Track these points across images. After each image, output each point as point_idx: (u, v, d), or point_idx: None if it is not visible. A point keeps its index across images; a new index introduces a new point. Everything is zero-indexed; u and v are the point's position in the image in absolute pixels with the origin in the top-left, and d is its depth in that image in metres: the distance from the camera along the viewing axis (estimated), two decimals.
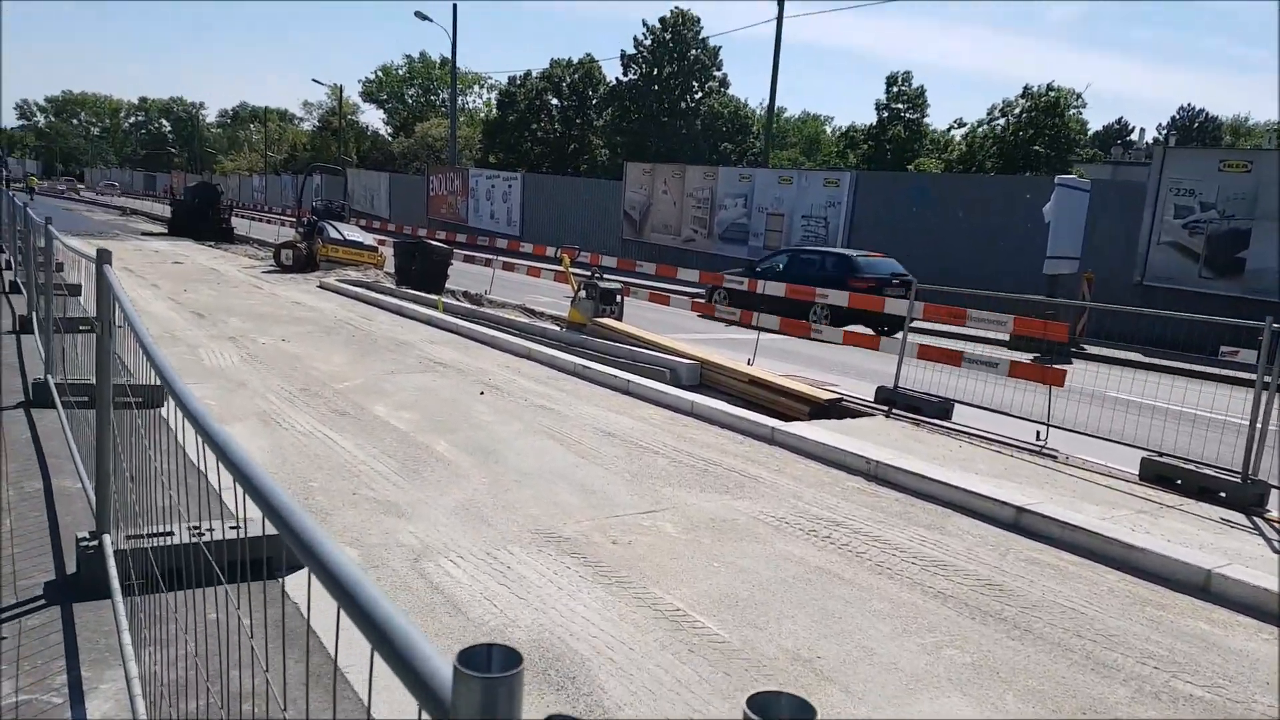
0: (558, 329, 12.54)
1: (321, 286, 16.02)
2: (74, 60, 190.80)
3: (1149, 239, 16.14)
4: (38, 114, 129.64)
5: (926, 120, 38.79)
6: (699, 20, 40.68)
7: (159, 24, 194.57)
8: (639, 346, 10.68)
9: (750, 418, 6.97)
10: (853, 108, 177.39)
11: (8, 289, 11.58)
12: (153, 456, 4.22)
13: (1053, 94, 33.83)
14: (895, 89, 38.06)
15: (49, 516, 4.07)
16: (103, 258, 3.17)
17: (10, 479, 4.52)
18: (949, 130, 39.89)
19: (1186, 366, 12.25)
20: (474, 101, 75.99)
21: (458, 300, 15.89)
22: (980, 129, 36.70)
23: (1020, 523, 4.94)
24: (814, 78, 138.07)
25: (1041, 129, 33.29)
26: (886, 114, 38.01)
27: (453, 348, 10.60)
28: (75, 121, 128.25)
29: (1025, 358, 10.94)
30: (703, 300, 14.37)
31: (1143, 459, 6.51)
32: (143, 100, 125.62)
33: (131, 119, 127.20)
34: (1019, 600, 4.10)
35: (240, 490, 1.55)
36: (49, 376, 5.95)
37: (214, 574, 2.76)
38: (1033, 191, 19.11)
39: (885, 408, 8.05)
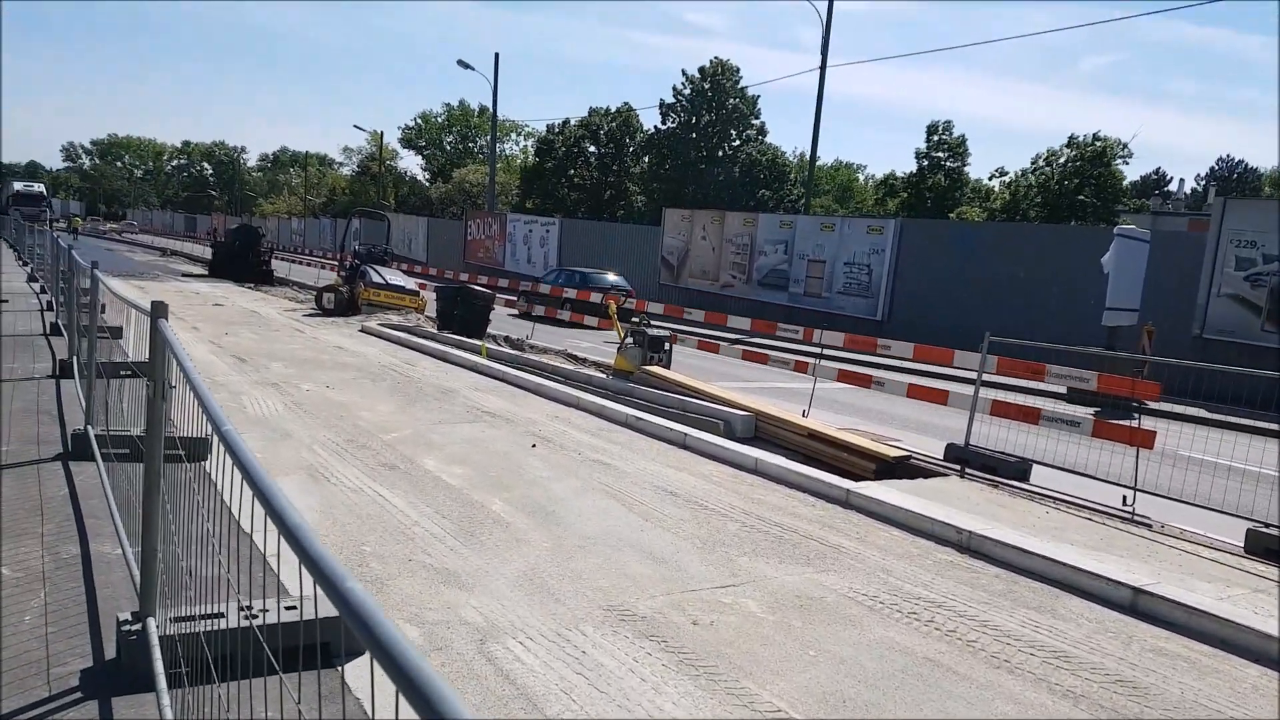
0: (604, 376, 12.21)
1: (363, 330, 15.88)
2: (121, 105, 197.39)
3: (1209, 291, 15.56)
4: (83, 156, 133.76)
5: (967, 169, 38.48)
6: (738, 70, 40.98)
7: (204, 70, 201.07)
8: (690, 396, 10.31)
9: (821, 478, 6.54)
10: (885, 156, 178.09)
11: (49, 331, 11.51)
12: (199, 519, 3.91)
13: (1099, 143, 33.38)
14: (936, 138, 37.85)
15: (87, 589, 3.75)
16: (158, 311, 2.89)
17: (46, 542, 4.22)
18: (990, 179, 39.56)
19: (1256, 424, 11.64)
20: (511, 148, 77.10)
21: (500, 345, 15.66)
22: (1025, 178, 36.28)
23: (1138, 605, 4.45)
24: (846, 127, 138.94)
25: (1087, 178, 32.80)
26: (927, 162, 37.73)
27: (499, 395, 10.30)
28: (119, 164, 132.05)
29: (1085, 412, 10.44)
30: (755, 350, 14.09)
31: (1248, 530, 6.00)
32: (185, 144, 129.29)
33: (174, 162, 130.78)
34: (1158, 701, 3.62)
35: (295, 560, 1.30)
36: (89, 427, 5.70)
37: (268, 661, 2.42)
38: (1083, 241, 18.64)
39: (957, 467, 7.59)
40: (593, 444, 7.90)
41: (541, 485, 6.38)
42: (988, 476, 7.29)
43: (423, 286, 20.38)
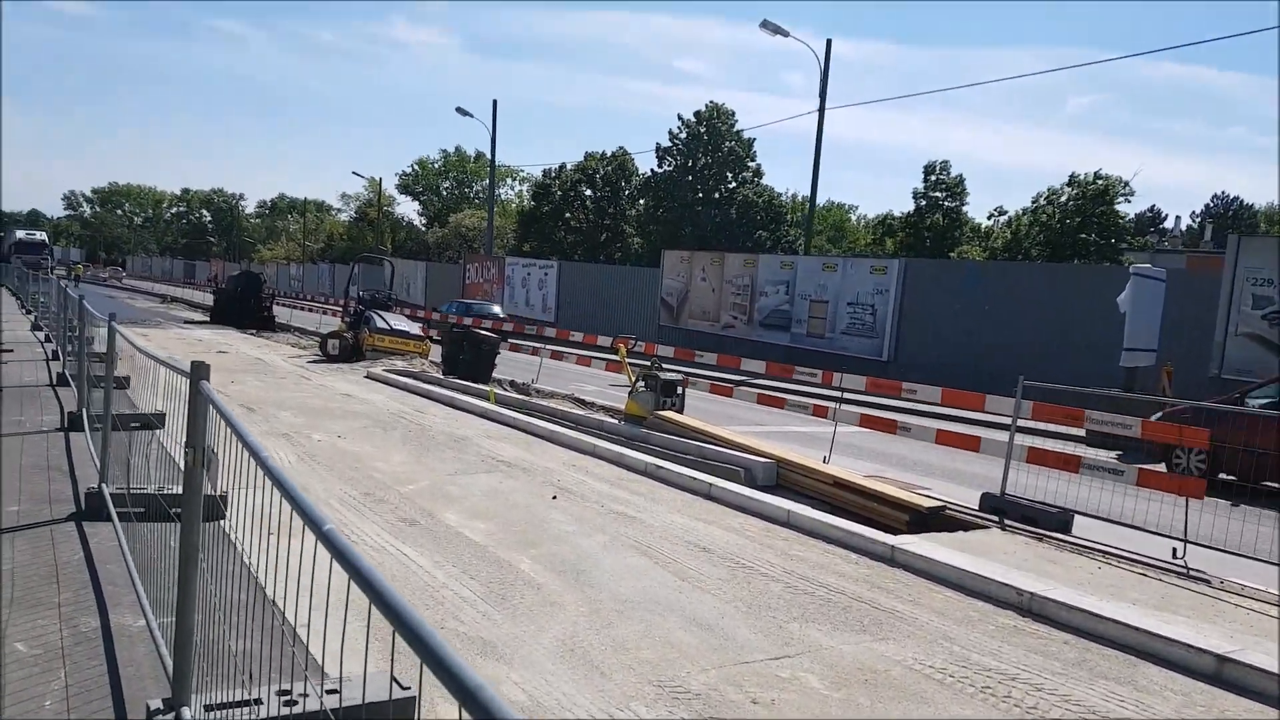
0: (615, 422, 11.99)
1: (369, 377, 15.68)
2: (121, 154, 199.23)
3: (1225, 330, 15.47)
4: (84, 204, 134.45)
5: (965, 209, 38.74)
6: (733, 114, 41.44)
7: (203, 119, 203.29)
8: (707, 442, 10.08)
9: (862, 532, 6.32)
10: (875, 197, 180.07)
11: (55, 381, 11.29)
12: (226, 586, 3.68)
13: (1100, 182, 33.60)
14: (933, 177, 38.13)
15: (110, 669, 3.51)
16: (199, 372, 2.70)
17: (64, 613, 3.98)
18: (989, 219, 39.78)
19: None
20: (507, 193, 77.72)
21: (505, 390, 15.47)
22: (1025, 217, 36.47)
23: (1223, 674, 4.21)
24: (836, 168, 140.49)
25: (1089, 217, 32.96)
26: (925, 202, 37.98)
27: (512, 443, 10.09)
28: (119, 212, 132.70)
29: (1107, 455, 10.25)
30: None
31: None
32: (185, 191, 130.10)
33: (173, 209, 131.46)
34: None
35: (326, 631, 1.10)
36: (104, 485, 5.47)
37: None
38: (1091, 280, 18.62)
39: (995, 518, 7.37)
40: (614, 495, 7.68)
41: (568, 541, 6.15)
42: (1029, 528, 7.06)
43: (426, 332, 20.25)
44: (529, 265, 39.29)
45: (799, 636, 4.53)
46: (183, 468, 2.81)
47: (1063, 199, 35.00)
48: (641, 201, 47.24)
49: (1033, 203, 36.83)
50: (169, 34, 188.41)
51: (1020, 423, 12.50)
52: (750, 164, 41.57)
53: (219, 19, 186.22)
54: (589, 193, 49.33)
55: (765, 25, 23.83)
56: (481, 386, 14.93)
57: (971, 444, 8.40)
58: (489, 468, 8.60)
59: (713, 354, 14.03)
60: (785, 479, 9.04)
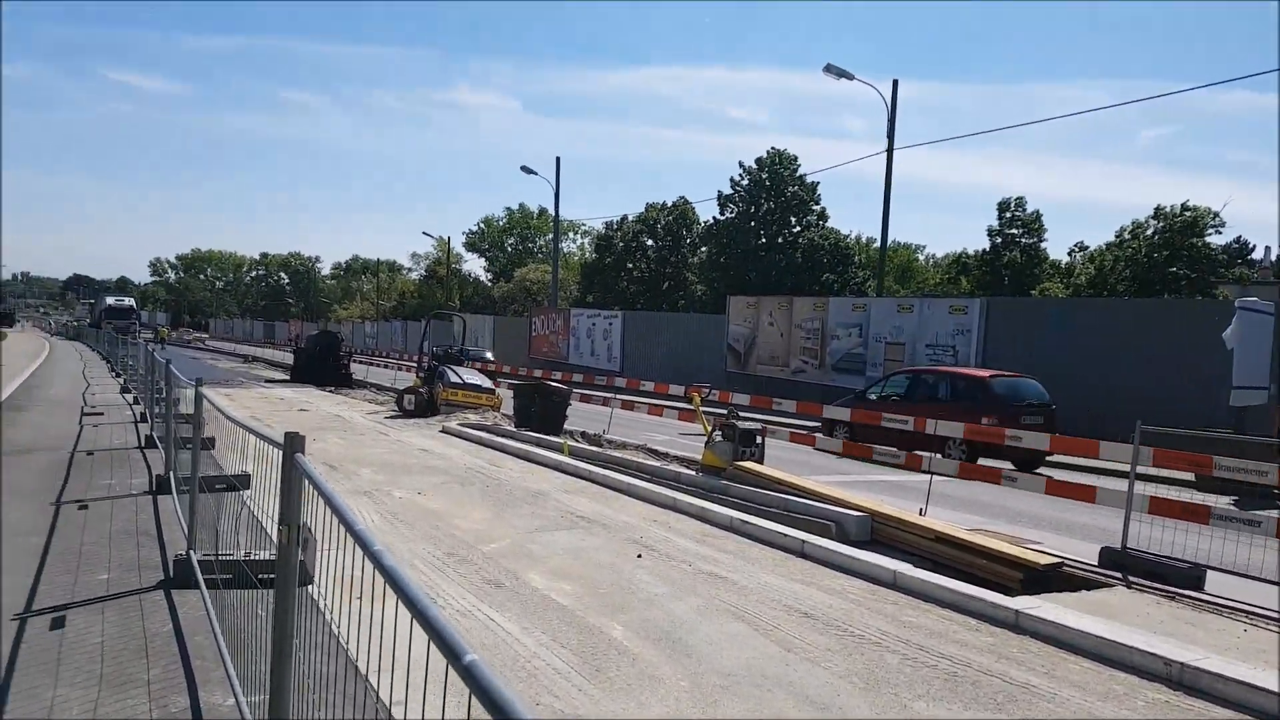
0: (692, 473, 11.67)
1: (445, 431, 15.72)
2: (203, 221, 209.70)
3: None
4: (169, 270, 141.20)
5: (1044, 245, 37.59)
6: (796, 159, 41.36)
7: (281, 186, 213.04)
8: (792, 494, 9.67)
9: (980, 595, 5.86)
10: (942, 236, 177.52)
11: (143, 444, 11.53)
12: (317, 658, 3.51)
13: (1187, 213, 32.27)
14: (1008, 214, 37.20)
15: None
16: (293, 444, 2.55)
17: (153, 691, 3.85)
18: (1070, 255, 38.57)
19: None
20: (570, 246, 78.91)
21: (577, 441, 15.31)
22: (1109, 252, 35.23)
23: None
24: (901, 208, 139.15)
25: (1177, 250, 31.60)
26: (1000, 239, 37.02)
27: (589, 497, 9.87)
28: (202, 276, 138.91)
29: (1224, 501, 9.50)
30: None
31: None
32: (263, 255, 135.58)
33: (253, 273, 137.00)
34: None
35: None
36: (191, 552, 5.41)
37: None
38: (1188, 315, 17.70)
39: (1118, 574, 6.80)
40: (700, 553, 7.36)
41: (659, 605, 5.85)
42: (1157, 586, 6.49)
43: (496, 384, 20.32)
44: (593, 315, 39.50)
45: (927, 718, 4.13)
46: (275, 544, 2.65)
47: (1148, 232, 33.69)
48: (704, 249, 47.32)
49: (1116, 237, 35.56)
50: (244, 106, 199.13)
51: (1118, 467, 11.81)
52: (815, 207, 41.29)
53: (291, 91, 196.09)
54: (650, 242, 49.69)
55: (829, 69, 23.74)
56: (555, 439, 14.81)
57: (1086, 494, 7.85)
58: (569, 524, 8.38)
59: (791, 401, 13.63)
60: (880, 533, 8.58)
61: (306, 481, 2.50)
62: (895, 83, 24.12)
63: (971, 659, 4.93)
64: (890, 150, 24.09)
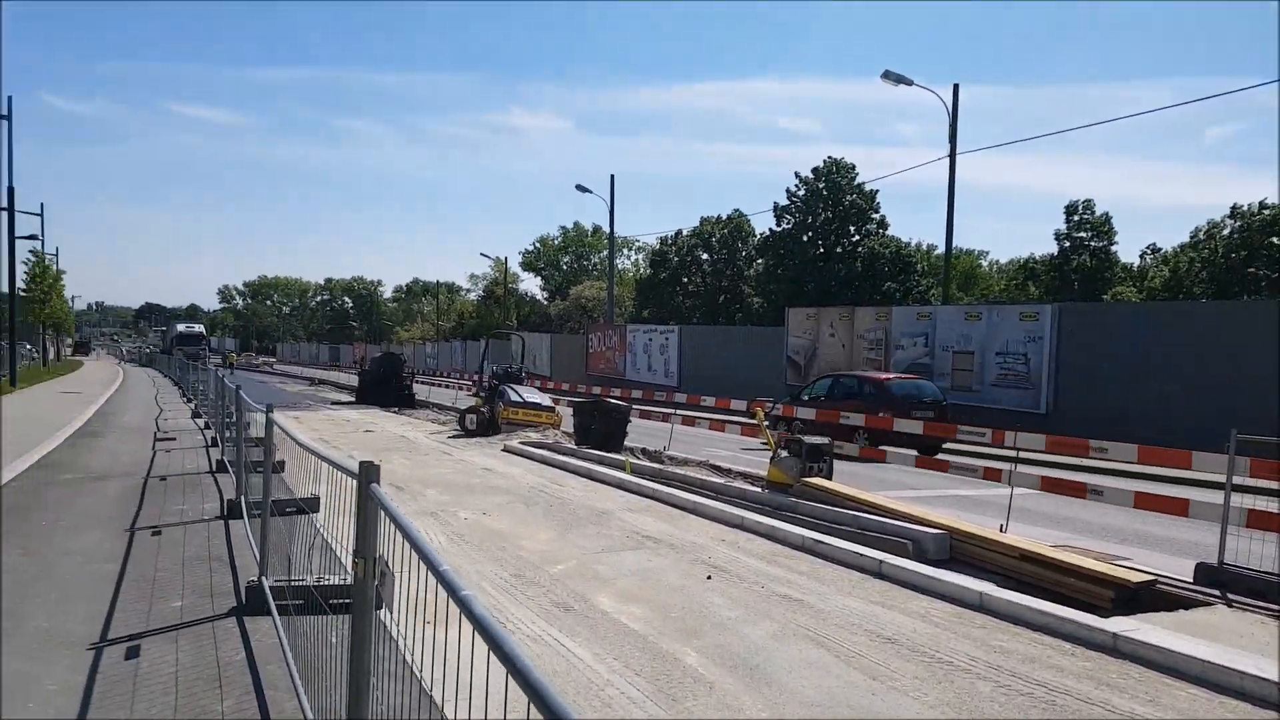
0: (758, 490, 11.41)
1: (506, 450, 15.73)
2: (268, 248, 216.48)
3: None
4: (237, 297, 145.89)
5: (1114, 248, 36.18)
6: (854, 167, 40.74)
7: (343, 212, 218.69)
8: (865, 511, 9.35)
9: (1073, 617, 5.51)
10: (1003, 241, 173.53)
11: (214, 468, 11.73)
12: (390, 690, 3.40)
13: (1266, 212, 30.74)
14: (1076, 217, 35.93)
15: None
16: (368, 474, 2.45)
17: None
18: (1142, 258, 37.10)
19: None
20: (624, 262, 79.14)
21: (638, 458, 15.16)
22: (1185, 254, 33.78)
23: None
24: (960, 214, 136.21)
25: (1257, 249, 30.09)
26: (1068, 243, 35.78)
27: (654, 516, 9.70)
28: (269, 302, 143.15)
29: None
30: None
31: None
32: (327, 280, 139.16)
33: (317, 298, 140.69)
34: None
35: None
36: (263, 579, 5.39)
37: None
38: (1272, 316, 16.80)
39: (1216, 592, 6.36)
40: (772, 574, 7.12)
41: (733, 630, 5.64)
42: (1260, 604, 6.04)
43: (556, 402, 20.32)
44: (649, 331, 39.43)
45: None
46: (350, 575, 2.54)
47: (1225, 232, 32.20)
48: (760, 261, 46.91)
49: (1191, 238, 34.06)
50: (304, 135, 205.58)
51: (1206, 478, 11.15)
52: (874, 216, 40.57)
53: (348, 119, 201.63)
54: (705, 256, 49.48)
55: (887, 76, 23.34)
56: (616, 456, 14.69)
57: (1178, 507, 7.39)
58: (635, 544, 8.22)
59: (860, 414, 13.26)
60: (960, 552, 8.21)
61: (382, 511, 2.39)
62: (956, 87, 23.60)
63: (1070, 686, 4.61)
64: (953, 155, 23.53)
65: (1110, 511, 10.33)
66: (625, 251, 77.82)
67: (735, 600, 6.31)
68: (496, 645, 1.50)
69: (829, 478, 11.00)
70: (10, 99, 28.49)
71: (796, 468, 11.03)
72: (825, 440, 11.50)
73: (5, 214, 29.43)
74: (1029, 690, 4.55)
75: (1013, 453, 11.77)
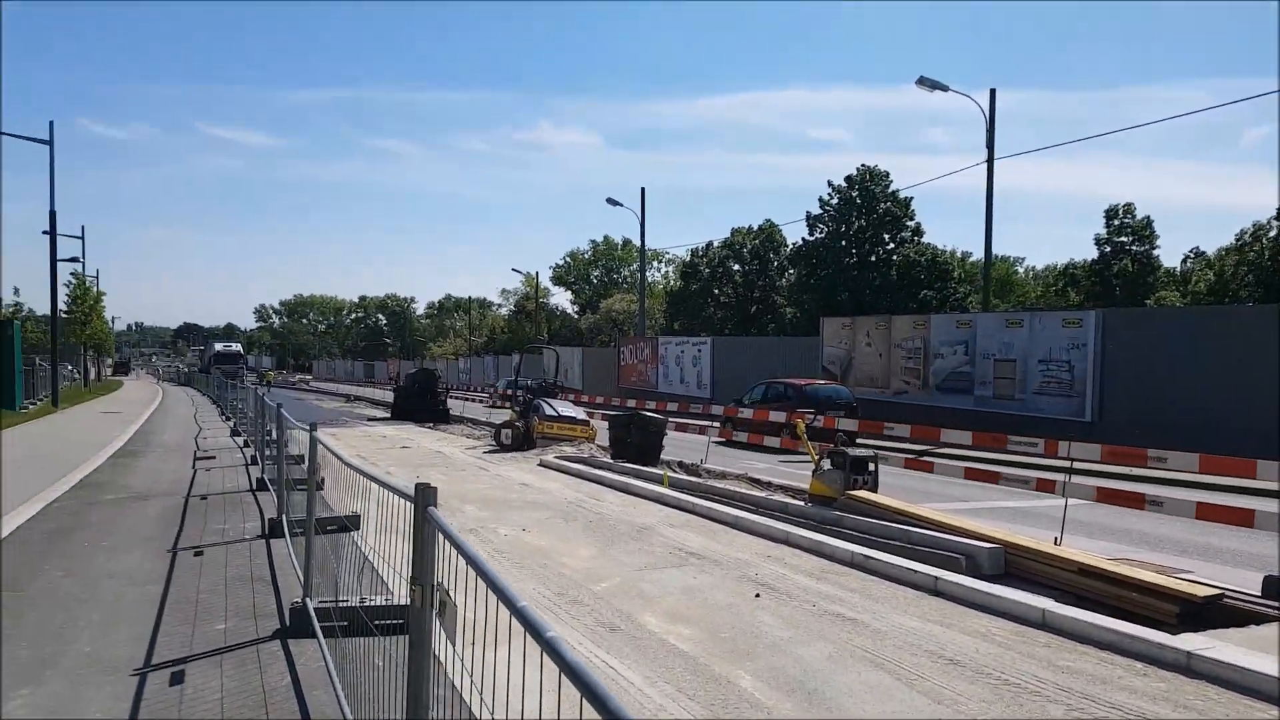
0: (800, 504, 11.16)
1: (542, 465, 15.63)
2: (304, 267, 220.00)
3: None
4: (273, 316, 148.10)
5: (1156, 253, 35.33)
6: (887, 175, 40.29)
7: (375, 230, 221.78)
8: (914, 525, 9.09)
9: (1142, 635, 5.24)
10: (1039, 247, 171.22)
11: (255, 486, 11.74)
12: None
13: None
14: (1116, 222, 35.16)
15: None
16: (425, 496, 2.32)
17: None
18: (1184, 262, 36.19)
19: None
20: (654, 275, 79.14)
21: (675, 471, 14.98)
22: (1229, 256, 32.89)
23: None
24: (996, 219, 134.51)
25: None
26: (1109, 248, 34.99)
27: (695, 531, 9.51)
28: (304, 320, 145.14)
29: None
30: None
31: None
32: (361, 298, 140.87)
33: (352, 315, 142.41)
34: None
35: None
36: (307, 600, 5.29)
37: None
38: None
39: None
40: (823, 591, 6.91)
41: (786, 651, 5.44)
42: None
43: (590, 415, 20.22)
44: (682, 343, 39.24)
45: None
46: (409, 604, 2.41)
47: (1271, 234, 31.30)
48: (792, 271, 46.57)
49: (1236, 240, 33.17)
50: (337, 155, 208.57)
51: (1261, 486, 10.73)
52: (909, 223, 40.07)
53: (380, 139, 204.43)
54: (736, 267, 49.23)
55: (922, 82, 23.05)
56: (653, 470, 14.52)
57: (1242, 518, 7.06)
58: (678, 561, 8.04)
59: (905, 425, 12.98)
60: (1015, 566, 7.92)
61: (440, 536, 2.26)
62: (993, 92, 23.27)
63: (1146, 709, 4.35)
64: (991, 160, 23.15)
65: (1166, 522, 9.95)
66: (655, 264, 77.86)
67: (786, 620, 6.11)
68: (595, 697, 1.37)
69: (874, 490, 10.74)
70: (51, 124, 29.06)
71: (841, 480, 10.77)
72: (870, 453, 11.24)
73: (48, 238, 30.01)
74: (1104, 713, 4.31)
75: (1053, 461, 11.47)
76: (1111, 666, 5.04)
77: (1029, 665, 5.09)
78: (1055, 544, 8.28)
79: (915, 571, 7.12)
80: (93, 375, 55.79)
